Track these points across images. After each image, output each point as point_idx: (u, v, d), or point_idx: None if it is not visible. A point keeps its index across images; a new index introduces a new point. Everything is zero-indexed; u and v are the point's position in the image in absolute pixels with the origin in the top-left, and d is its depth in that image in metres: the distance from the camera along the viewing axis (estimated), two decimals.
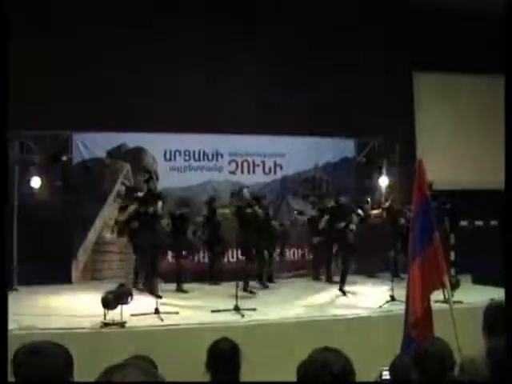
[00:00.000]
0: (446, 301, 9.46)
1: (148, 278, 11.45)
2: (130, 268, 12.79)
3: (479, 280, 12.65)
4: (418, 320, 5.43)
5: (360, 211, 13.05)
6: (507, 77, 4.56)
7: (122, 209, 12.31)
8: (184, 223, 12.55)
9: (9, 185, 12.17)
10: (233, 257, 13.86)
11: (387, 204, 13.73)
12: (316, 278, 13.94)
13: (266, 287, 12.46)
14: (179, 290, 12.06)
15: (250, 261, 11.98)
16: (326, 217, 12.53)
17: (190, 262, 13.16)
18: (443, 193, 13.06)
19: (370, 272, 14.31)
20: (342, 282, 11.84)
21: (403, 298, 9.97)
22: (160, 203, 11.66)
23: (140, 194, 11.78)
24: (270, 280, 13.10)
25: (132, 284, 11.61)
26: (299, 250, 14.68)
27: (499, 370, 3.43)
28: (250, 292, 11.48)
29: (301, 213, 14.41)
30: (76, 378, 2.65)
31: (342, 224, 12.15)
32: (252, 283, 11.98)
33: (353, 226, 12.21)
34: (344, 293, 11.64)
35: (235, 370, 4.11)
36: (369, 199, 14.44)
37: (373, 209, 13.98)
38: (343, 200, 12.55)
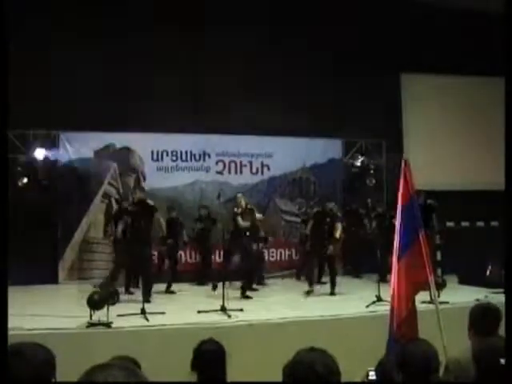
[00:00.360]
0: (432, 301, 9.53)
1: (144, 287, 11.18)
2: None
3: (465, 280, 12.70)
4: (402, 321, 5.44)
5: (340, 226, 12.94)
6: (507, 78, 4.58)
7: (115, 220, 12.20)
8: (176, 227, 12.59)
9: None
10: (220, 257, 13.82)
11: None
12: (298, 278, 13.96)
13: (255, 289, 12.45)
14: (168, 291, 12.08)
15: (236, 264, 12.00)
16: (311, 222, 12.47)
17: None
18: (430, 193, 13.11)
19: (356, 273, 14.37)
20: (332, 286, 11.85)
21: (389, 299, 10.08)
22: (156, 216, 11.50)
23: (130, 208, 11.47)
24: (260, 282, 13.06)
25: (124, 287, 11.65)
26: (286, 251, 14.70)
27: (485, 370, 3.46)
28: (247, 297, 11.39)
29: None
30: (61, 379, 2.64)
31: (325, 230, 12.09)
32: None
33: (337, 235, 12.14)
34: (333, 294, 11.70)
35: (220, 370, 4.11)
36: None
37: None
38: (329, 206, 12.46)
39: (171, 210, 12.86)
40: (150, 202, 11.31)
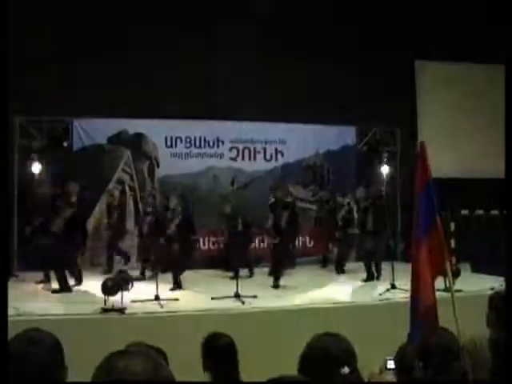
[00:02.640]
0: (446, 289, 9.49)
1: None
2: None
3: (478, 268, 12.64)
4: (425, 308, 5.38)
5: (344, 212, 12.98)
6: (507, 70, 4.54)
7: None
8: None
9: (9, 171, 12.19)
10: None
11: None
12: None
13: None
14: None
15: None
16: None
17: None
18: (444, 181, 13.03)
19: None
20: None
21: (404, 286, 10.05)
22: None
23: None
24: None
25: (140, 272, 11.80)
26: (300, 238, 14.62)
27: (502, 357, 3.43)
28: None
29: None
30: (75, 364, 2.64)
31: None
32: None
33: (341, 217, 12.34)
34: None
35: (233, 367, 4.08)
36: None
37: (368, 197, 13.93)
38: (339, 199, 12.60)
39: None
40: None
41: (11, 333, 2.52)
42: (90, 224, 13.15)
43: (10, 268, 11.85)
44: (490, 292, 4.99)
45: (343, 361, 2.64)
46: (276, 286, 11.00)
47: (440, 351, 3.33)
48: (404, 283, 10.58)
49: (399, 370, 3.51)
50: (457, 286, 8.94)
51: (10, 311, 7.57)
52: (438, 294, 8.74)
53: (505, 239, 4.96)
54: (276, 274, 11.26)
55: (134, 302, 8.83)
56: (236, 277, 10.14)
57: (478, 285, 10.43)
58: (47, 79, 12.63)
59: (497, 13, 14.11)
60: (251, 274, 12.28)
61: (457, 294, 8.00)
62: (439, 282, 9.57)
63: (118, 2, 13.52)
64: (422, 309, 5.31)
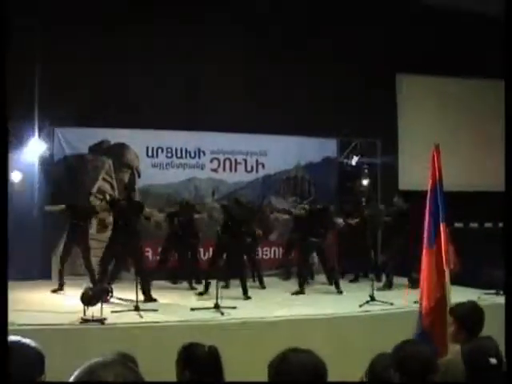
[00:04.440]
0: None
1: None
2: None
3: (457, 280, 12.66)
4: (431, 310, 5.40)
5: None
6: (507, 79, 4.58)
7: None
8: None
9: None
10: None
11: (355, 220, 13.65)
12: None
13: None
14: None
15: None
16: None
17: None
18: (423, 193, 13.10)
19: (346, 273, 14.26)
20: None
21: (383, 298, 10.09)
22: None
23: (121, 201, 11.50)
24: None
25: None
26: (280, 249, 14.64)
27: (476, 370, 3.46)
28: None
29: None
30: (53, 375, 2.63)
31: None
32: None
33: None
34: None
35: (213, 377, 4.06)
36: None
37: (349, 214, 13.92)
38: (317, 207, 12.51)
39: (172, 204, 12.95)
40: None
41: None
42: None
43: None
44: None
45: (313, 376, 2.65)
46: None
47: (417, 362, 3.34)
48: (382, 295, 10.69)
49: (372, 382, 3.52)
50: None
51: None
52: (415, 305, 8.87)
53: (484, 252, 5.04)
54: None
55: (113, 312, 8.81)
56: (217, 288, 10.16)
57: (457, 297, 10.46)
58: (29, 87, 12.59)
59: (480, 27, 14.30)
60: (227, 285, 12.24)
61: None
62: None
63: (105, 15, 13.52)
64: (425, 310, 5.32)
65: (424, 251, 5.66)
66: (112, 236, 11.42)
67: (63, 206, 11.77)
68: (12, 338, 2.57)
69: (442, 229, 5.58)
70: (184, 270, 12.74)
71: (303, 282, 11.86)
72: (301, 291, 11.63)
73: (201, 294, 11.30)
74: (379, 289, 11.43)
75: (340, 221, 13.07)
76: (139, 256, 11.28)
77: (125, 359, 2.37)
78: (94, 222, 13.19)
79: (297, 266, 12.71)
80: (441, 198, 5.69)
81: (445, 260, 5.52)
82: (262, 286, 12.50)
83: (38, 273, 12.79)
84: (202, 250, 13.50)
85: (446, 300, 5.51)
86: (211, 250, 12.35)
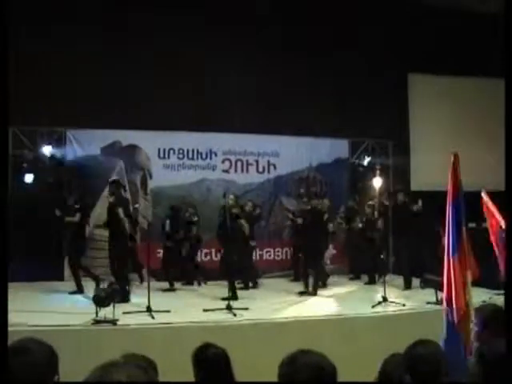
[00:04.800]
0: (437, 302, 9.50)
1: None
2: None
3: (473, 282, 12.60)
4: (461, 317, 5.38)
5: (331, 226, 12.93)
6: (507, 78, 4.56)
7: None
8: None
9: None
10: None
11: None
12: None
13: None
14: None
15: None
16: (300, 221, 12.42)
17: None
18: (436, 194, 13.05)
19: (354, 273, 14.21)
20: (314, 286, 11.78)
21: (395, 299, 10.07)
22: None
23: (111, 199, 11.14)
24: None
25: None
26: (284, 250, 14.68)
27: (493, 369, 3.43)
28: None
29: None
30: (66, 376, 2.64)
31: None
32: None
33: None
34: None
35: (225, 378, 4.06)
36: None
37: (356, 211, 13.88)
38: (318, 205, 12.41)
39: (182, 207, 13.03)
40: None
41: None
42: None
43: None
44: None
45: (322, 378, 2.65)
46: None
47: (429, 364, 3.32)
48: (395, 296, 10.68)
49: (384, 383, 3.50)
50: None
51: None
52: (428, 306, 8.86)
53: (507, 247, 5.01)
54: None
55: (125, 313, 8.82)
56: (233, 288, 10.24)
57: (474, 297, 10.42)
58: (42, 90, 12.67)
59: (495, 26, 14.23)
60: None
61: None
62: (431, 295, 9.70)
63: (115, 18, 13.56)
64: (457, 317, 5.29)
65: (446, 258, 5.65)
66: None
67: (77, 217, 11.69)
68: (26, 338, 2.58)
69: (463, 236, 5.58)
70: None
71: (307, 283, 11.78)
72: (306, 292, 11.59)
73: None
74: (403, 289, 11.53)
75: (331, 225, 12.97)
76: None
77: (140, 362, 2.37)
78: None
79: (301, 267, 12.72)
80: (462, 207, 5.67)
81: (467, 264, 5.52)
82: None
83: (51, 274, 12.81)
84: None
85: (470, 303, 5.50)
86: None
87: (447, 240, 5.70)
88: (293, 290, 12.11)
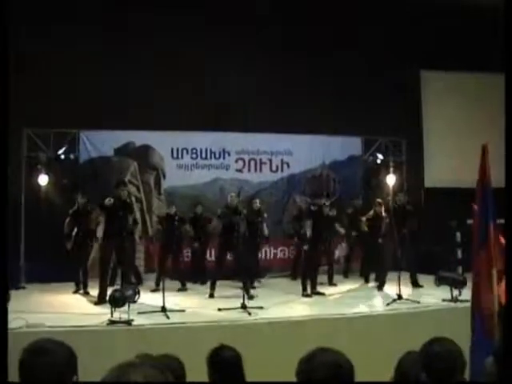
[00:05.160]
0: (452, 299, 9.47)
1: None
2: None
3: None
4: (489, 315, 5.33)
5: (339, 227, 12.86)
6: (507, 77, 4.55)
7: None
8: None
9: (16, 182, 12.27)
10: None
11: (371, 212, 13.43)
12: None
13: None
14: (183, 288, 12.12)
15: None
16: (309, 221, 12.33)
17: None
18: (450, 190, 13.03)
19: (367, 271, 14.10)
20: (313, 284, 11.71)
21: (410, 297, 10.03)
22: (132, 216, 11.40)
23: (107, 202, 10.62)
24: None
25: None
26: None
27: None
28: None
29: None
30: (83, 376, 2.65)
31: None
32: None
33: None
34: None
35: (239, 380, 4.06)
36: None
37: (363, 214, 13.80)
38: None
39: (196, 205, 13.14)
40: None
41: (22, 344, 2.54)
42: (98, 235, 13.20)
43: (18, 280, 11.98)
44: None
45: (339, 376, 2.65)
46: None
47: (445, 361, 3.30)
48: (408, 293, 10.66)
49: (400, 382, 3.49)
50: (464, 296, 8.94)
51: (19, 322, 7.62)
52: (444, 303, 8.81)
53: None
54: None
55: (140, 313, 8.83)
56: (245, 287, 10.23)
57: None
58: (55, 91, 12.73)
59: (501, 22, 14.12)
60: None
61: (464, 305, 8.00)
62: (446, 292, 9.65)
63: (115, 18, 13.59)
64: (485, 315, 5.24)
65: (474, 253, 5.61)
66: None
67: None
68: (44, 338, 2.60)
69: (491, 230, 5.52)
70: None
71: (306, 284, 11.63)
72: (305, 293, 11.37)
73: None
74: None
75: (341, 230, 12.92)
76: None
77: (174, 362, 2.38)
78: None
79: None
80: (490, 199, 5.62)
81: (494, 261, 5.45)
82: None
83: (66, 275, 12.84)
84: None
85: (496, 301, 5.43)
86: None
87: (474, 237, 5.65)
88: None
